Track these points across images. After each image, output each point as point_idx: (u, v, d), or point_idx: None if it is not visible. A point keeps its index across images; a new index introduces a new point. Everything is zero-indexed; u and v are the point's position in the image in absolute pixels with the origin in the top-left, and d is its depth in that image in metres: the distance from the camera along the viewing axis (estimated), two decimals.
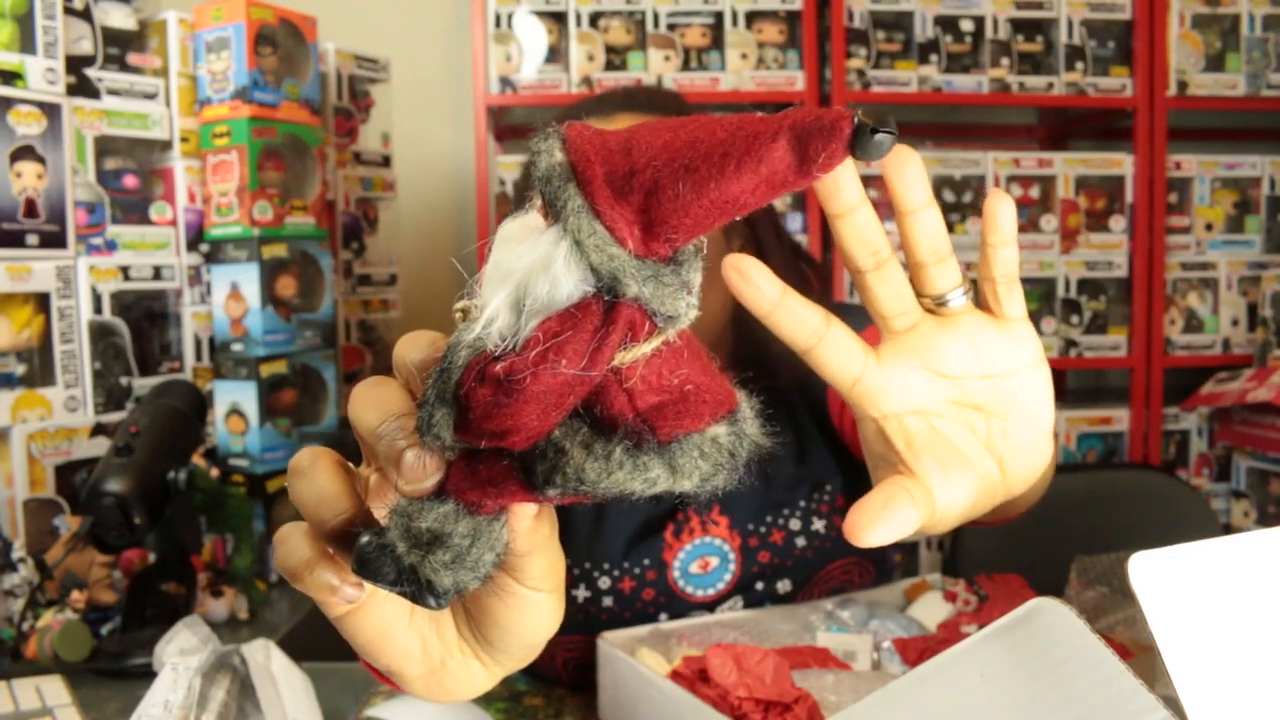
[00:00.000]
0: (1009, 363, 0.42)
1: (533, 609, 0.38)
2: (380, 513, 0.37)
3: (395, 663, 0.39)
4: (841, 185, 0.37)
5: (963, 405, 0.42)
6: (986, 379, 0.42)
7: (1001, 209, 0.40)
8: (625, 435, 0.31)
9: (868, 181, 0.99)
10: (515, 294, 0.30)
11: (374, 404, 0.34)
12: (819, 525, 0.95)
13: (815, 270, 1.02)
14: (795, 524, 0.94)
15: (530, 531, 0.35)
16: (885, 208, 0.99)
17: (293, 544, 0.36)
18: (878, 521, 0.39)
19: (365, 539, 0.32)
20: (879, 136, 0.29)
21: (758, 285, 0.39)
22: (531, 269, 0.29)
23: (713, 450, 0.31)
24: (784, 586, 0.95)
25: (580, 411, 0.31)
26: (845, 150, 0.29)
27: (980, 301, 0.43)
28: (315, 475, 0.35)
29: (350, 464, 0.37)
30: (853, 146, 0.29)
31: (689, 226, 0.29)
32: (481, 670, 0.41)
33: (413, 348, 0.35)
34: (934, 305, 0.42)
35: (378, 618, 0.38)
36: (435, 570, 0.32)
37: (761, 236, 0.94)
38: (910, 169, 0.38)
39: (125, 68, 1.31)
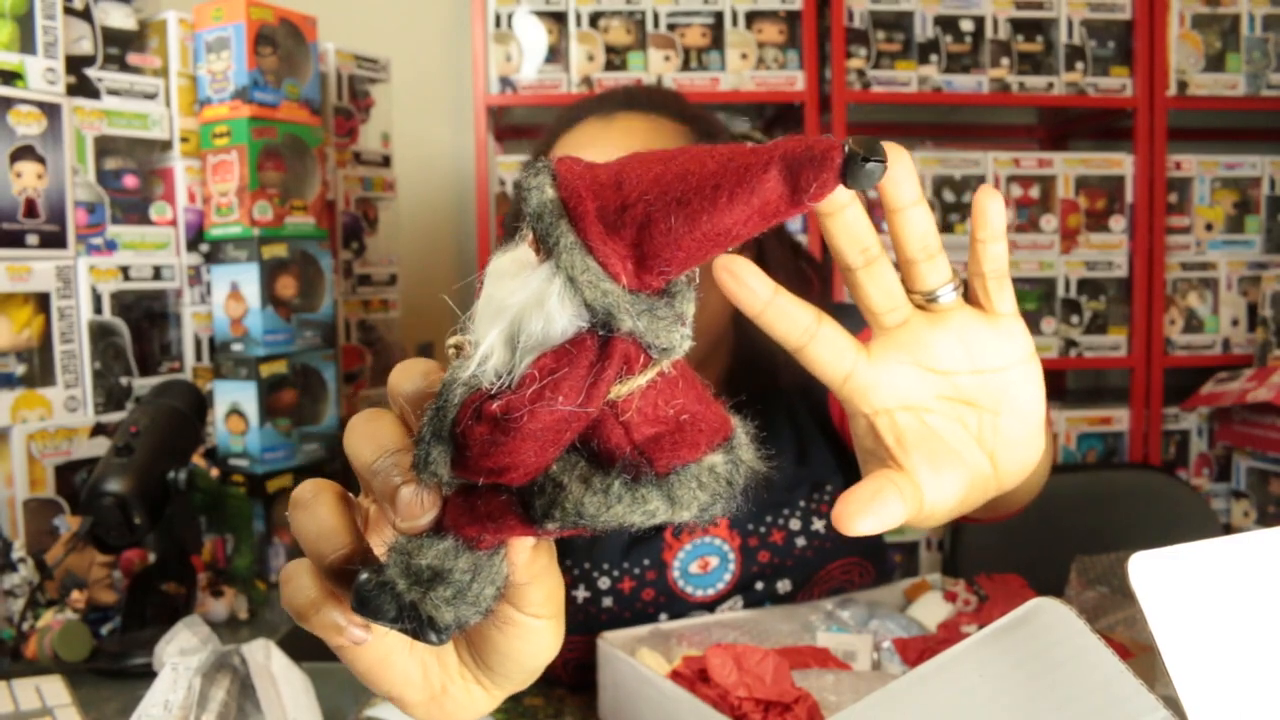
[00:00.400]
0: (1000, 357, 0.42)
1: (533, 635, 0.38)
2: (379, 545, 0.37)
3: (396, 689, 0.39)
4: None
5: (954, 400, 0.43)
6: (977, 374, 0.42)
7: (990, 204, 0.41)
8: (623, 468, 0.31)
9: None
10: (509, 330, 0.29)
11: (368, 439, 0.34)
12: (819, 525, 0.95)
13: (816, 269, 1.02)
14: (795, 524, 0.94)
15: (529, 562, 0.35)
16: (878, 206, 0.98)
17: (299, 583, 0.36)
18: (865, 512, 0.40)
19: (364, 577, 0.32)
20: (870, 165, 0.29)
21: (749, 286, 0.40)
22: (525, 305, 0.29)
23: (710, 480, 0.31)
24: (784, 586, 0.95)
25: (577, 445, 0.31)
26: (836, 179, 0.29)
27: (970, 297, 0.43)
28: (316, 509, 0.35)
29: (351, 495, 0.37)
30: (844, 175, 0.29)
31: (682, 259, 0.29)
32: (483, 694, 0.41)
33: (406, 379, 0.35)
34: (924, 301, 0.42)
35: (378, 647, 0.38)
36: (436, 606, 0.31)
37: (763, 236, 0.94)
38: (899, 167, 0.38)
39: (125, 68, 1.31)
